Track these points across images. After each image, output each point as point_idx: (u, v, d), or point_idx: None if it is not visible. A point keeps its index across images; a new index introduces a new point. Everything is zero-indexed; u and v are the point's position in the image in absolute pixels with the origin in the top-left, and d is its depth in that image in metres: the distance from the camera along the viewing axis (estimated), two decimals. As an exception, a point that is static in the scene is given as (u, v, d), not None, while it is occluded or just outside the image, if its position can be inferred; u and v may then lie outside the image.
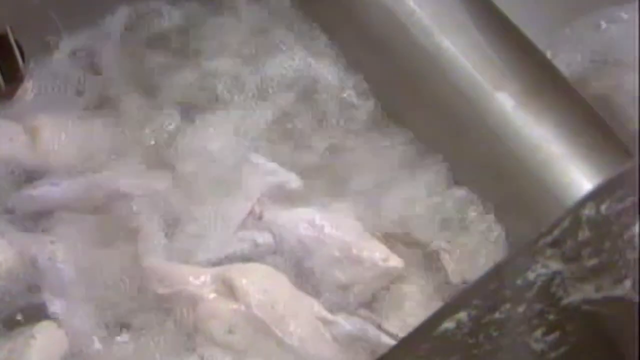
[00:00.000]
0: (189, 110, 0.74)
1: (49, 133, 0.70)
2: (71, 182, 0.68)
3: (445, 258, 0.63)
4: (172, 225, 0.66)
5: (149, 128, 0.73)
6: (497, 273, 0.39)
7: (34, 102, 0.75)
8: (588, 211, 0.38)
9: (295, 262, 0.63)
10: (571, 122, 0.63)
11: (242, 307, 0.59)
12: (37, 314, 0.63)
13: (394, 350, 0.41)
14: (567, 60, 0.72)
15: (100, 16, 0.78)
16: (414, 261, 0.64)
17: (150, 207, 0.65)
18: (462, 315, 0.39)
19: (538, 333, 0.43)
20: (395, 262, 0.61)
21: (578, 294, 0.41)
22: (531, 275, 0.39)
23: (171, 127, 0.72)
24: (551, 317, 0.42)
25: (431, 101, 0.69)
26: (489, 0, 0.69)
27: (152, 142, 0.72)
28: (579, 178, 0.60)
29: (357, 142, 0.71)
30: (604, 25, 0.75)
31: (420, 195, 0.66)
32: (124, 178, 0.68)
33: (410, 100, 0.71)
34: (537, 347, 0.43)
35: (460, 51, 0.67)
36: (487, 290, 0.39)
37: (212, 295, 0.60)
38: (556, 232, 0.38)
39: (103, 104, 0.75)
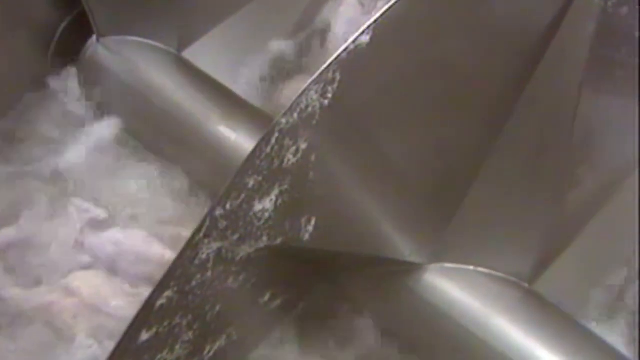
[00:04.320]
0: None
1: None
2: None
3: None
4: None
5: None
6: (177, 264, 0.58)
7: None
8: (217, 212, 0.57)
9: (110, 270, 0.81)
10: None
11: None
12: None
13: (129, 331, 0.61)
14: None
15: None
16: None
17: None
18: (168, 293, 0.59)
19: (230, 280, 0.63)
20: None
21: (240, 251, 0.61)
22: (203, 256, 0.59)
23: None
24: (234, 268, 0.62)
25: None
26: None
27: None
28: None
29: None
30: None
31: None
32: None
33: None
34: (235, 286, 0.64)
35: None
36: (176, 275, 0.59)
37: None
38: (206, 225, 0.57)
39: None
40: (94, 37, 0.93)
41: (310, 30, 0.99)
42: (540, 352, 0.75)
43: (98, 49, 0.93)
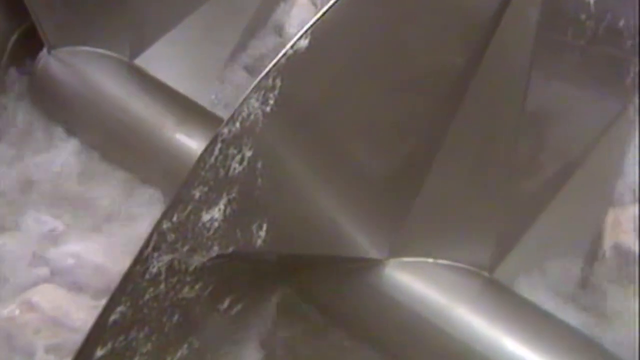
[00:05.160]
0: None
1: None
2: None
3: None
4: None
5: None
6: (126, 280, 0.58)
7: None
8: (164, 225, 0.57)
9: (70, 283, 0.81)
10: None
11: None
12: None
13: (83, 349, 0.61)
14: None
15: None
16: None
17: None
18: (121, 308, 0.59)
19: (186, 290, 0.63)
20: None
21: (193, 262, 0.61)
22: (154, 269, 0.59)
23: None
24: (188, 278, 0.62)
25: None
26: None
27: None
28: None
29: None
30: None
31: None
32: None
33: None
34: (191, 295, 0.64)
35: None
36: (127, 290, 0.59)
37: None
38: (154, 239, 0.57)
39: None
40: (45, 49, 0.92)
41: (263, 33, 0.99)
42: (504, 340, 0.75)
43: (49, 61, 0.93)
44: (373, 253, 0.77)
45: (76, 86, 0.91)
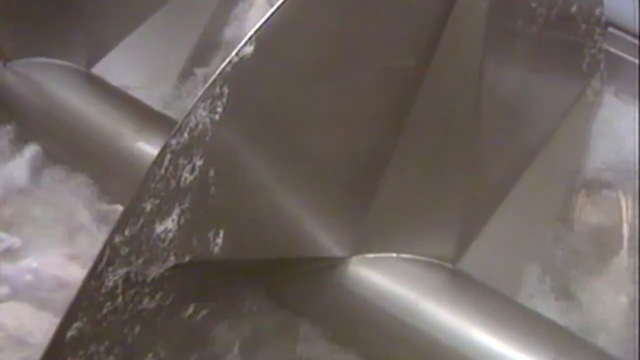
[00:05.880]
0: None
1: None
2: None
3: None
4: None
5: None
6: (81, 296, 0.58)
7: None
8: (117, 239, 0.57)
9: (31, 299, 0.81)
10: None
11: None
12: None
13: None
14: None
15: None
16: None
17: None
18: (77, 324, 0.59)
19: (146, 300, 0.63)
20: None
21: (150, 273, 0.61)
22: (110, 283, 0.59)
23: None
24: (147, 290, 0.63)
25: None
26: None
27: None
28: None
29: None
30: None
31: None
32: None
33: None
34: (152, 305, 0.64)
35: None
36: (83, 306, 0.59)
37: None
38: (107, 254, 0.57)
39: None
40: (1, 62, 0.92)
41: (220, 36, 0.98)
42: (471, 331, 0.76)
43: (6, 74, 0.92)
44: (337, 251, 0.78)
45: (34, 98, 0.91)
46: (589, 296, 0.83)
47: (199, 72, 0.97)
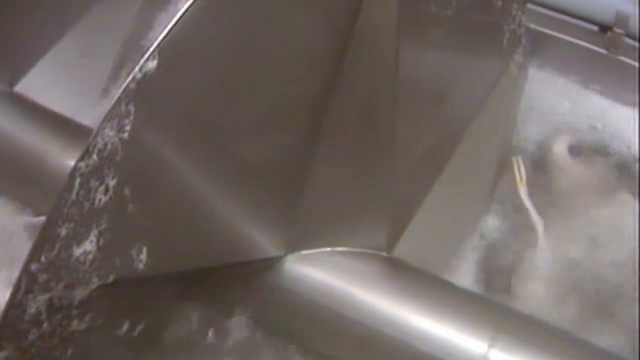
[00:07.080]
0: None
1: None
2: None
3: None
4: None
5: None
6: (3, 325, 0.58)
7: None
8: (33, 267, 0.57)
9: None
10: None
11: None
12: None
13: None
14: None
15: None
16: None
17: None
18: (4, 353, 0.59)
19: (75, 323, 0.64)
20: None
21: (75, 296, 0.61)
22: (32, 310, 0.59)
23: None
24: (74, 312, 0.63)
25: None
26: None
27: None
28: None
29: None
30: None
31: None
32: None
33: None
34: (82, 327, 0.64)
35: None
36: (7, 335, 0.59)
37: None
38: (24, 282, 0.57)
39: None
40: None
41: (143, 44, 0.97)
42: (411, 317, 0.76)
43: None
44: (272, 251, 0.78)
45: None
46: (523, 271, 0.84)
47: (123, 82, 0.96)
